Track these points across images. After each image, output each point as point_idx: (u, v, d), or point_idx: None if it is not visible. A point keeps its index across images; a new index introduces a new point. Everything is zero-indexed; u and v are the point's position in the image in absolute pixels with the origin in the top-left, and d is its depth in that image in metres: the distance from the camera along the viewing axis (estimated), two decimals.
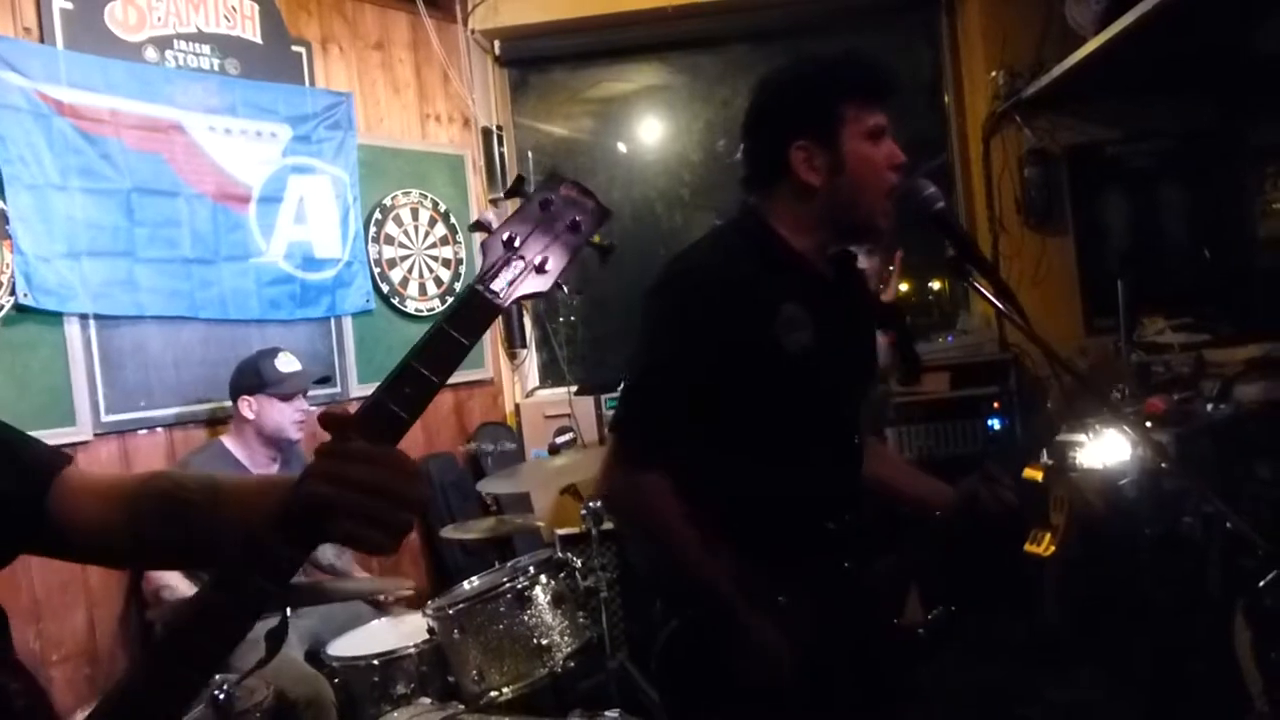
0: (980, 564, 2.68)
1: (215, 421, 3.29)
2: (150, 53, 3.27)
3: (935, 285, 4.92)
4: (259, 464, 3.12)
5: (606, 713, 2.71)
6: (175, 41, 3.34)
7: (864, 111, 1.68)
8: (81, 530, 1.06)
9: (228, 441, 3.12)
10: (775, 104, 1.74)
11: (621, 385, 1.77)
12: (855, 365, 1.84)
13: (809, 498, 1.72)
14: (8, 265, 2.86)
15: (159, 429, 3.22)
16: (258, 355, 3.14)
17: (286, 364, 3.10)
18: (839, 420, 1.80)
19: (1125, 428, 2.42)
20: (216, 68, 3.45)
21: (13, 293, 2.86)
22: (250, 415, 3.07)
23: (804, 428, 1.72)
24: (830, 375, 1.73)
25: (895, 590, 1.84)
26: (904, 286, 5.02)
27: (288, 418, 3.07)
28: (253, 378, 3.08)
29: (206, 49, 3.43)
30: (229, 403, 3.16)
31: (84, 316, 3.03)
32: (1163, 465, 2.78)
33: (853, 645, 1.69)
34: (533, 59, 4.71)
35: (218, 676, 2.43)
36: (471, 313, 1.00)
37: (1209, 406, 3.13)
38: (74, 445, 2.96)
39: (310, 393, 3.22)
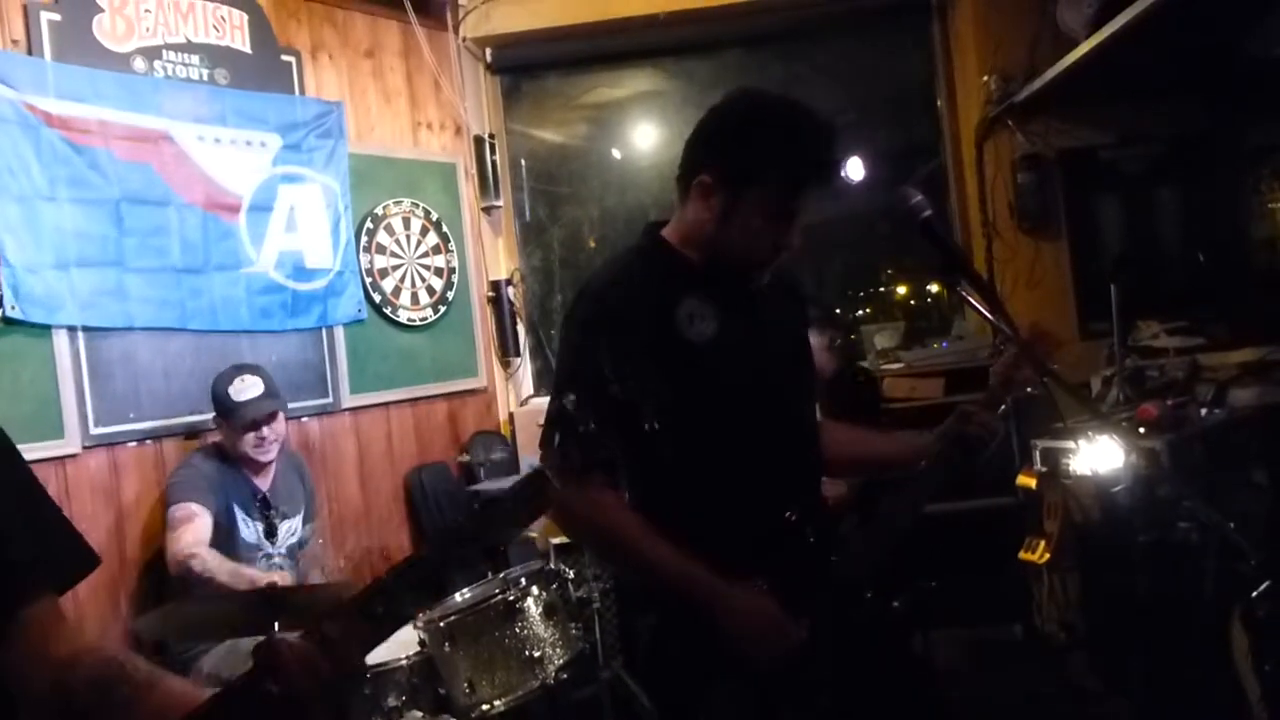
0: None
1: (205, 433, 3.28)
2: (139, 63, 3.26)
3: (933, 289, 4.91)
4: (255, 470, 3.13)
5: None
6: (164, 52, 3.33)
7: (784, 191, 1.68)
8: (32, 658, 1.04)
9: (223, 442, 3.14)
10: (711, 128, 1.75)
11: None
12: (777, 355, 1.83)
13: (760, 488, 1.72)
14: None
15: (148, 441, 3.20)
16: (219, 379, 3.08)
17: (239, 391, 3.02)
18: (775, 408, 1.79)
19: (1118, 434, 2.41)
20: (206, 77, 3.44)
21: (0, 305, 2.85)
22: (221, 436, 3.12)
23: (733, 418, 1.72)
24: (747, 364, 1.74)
25: (866, 566, 1.84)
26: (901, 290, 5.04)
27: (247, 445, 3.03)
28: (216, 404, 3.07)
29: (195, 59, 3.42)
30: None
31: (72, 328, 3.02)
32: (1156, 472, 2.77)
33: (828, 627, 1.68)
34: (525, 66, 4.70)
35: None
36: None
37: (1203, 411, 3.12)
38: (63, 458, 2.95)
39: (299, 403, 3.21)
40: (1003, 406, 1.98)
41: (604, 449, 1.68)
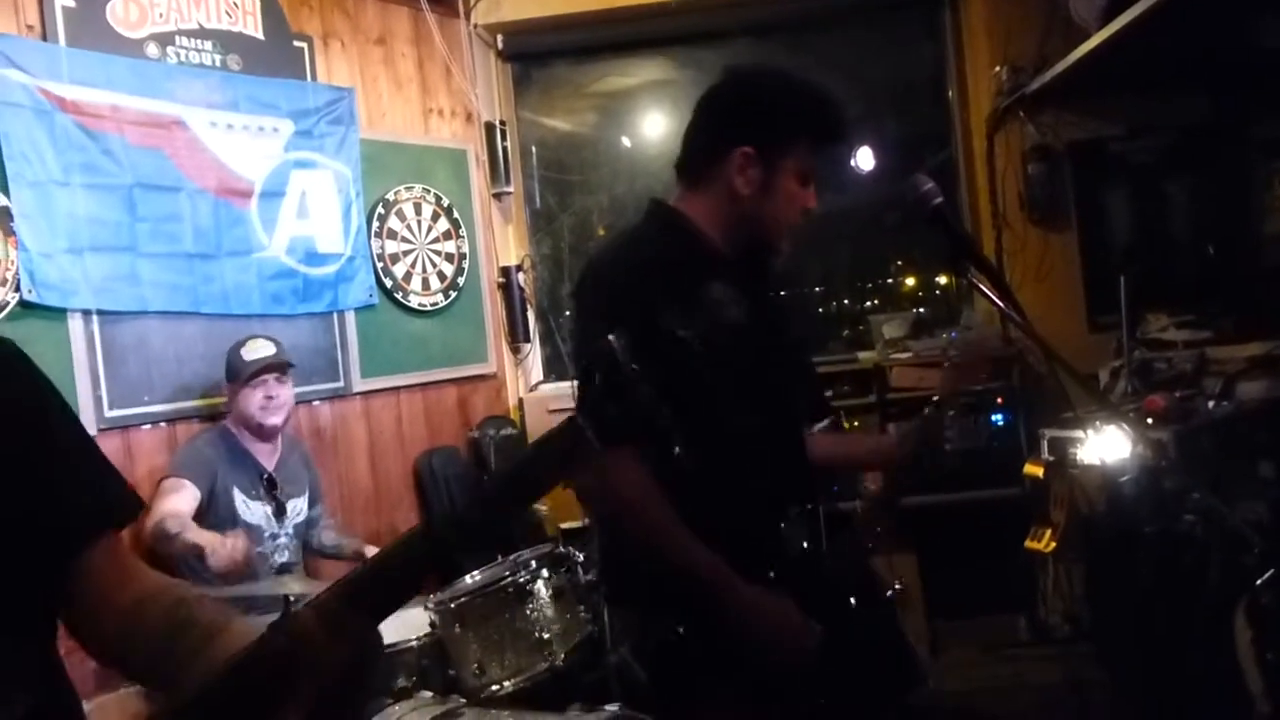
0: None
1: (217, 416, 3.31)
2: (152, 49, 3.28)
3: (942, 280, 4.91)
4: (260, 450, 3.19)
5: (606, 706, 2.70)
6: (177, 38, 3.35)
7: (810, 153, 1.75)
8: (99, 607, 1.02)
9: (230, 424, 3.20)
10: (741, 102, 1.77)
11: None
12: (781, 350, 1.85)
13: (770, 485, 1.72)
14: (12, 262, 2.87)
15: (161, 423, 3.23)
16: (233, 346, 3.18)
17: (250, 351, 3.14)
18: (784, 404, 1.81)
19: (1125, 425, 2.42)
20: (218, 63, 3.46)
21: (17, 289, 2.87)
22: (231, 403, 3.18)
23: (752, 411, 1.71)
24: (764, 356, 1.75)
25: (857, 562, 1.86)
26: (910, 281, 5.04)
27: (254, 403, 3.11)
28: (227, 368, 3.16)
29: (208, 45, 3.43)
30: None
31: (86, 312, 3.05)
32: (1162, 463, 2.78)
33: (828, 626, 1.69)
34: (535, 53, 4.71)
35: None
36: None
37: (1210, 404, 3.13)
38: None
39: (310, 387, 3.24)
40: (951, 412, 2.00)
41: (647, 401, 1.61)
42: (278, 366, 3.15)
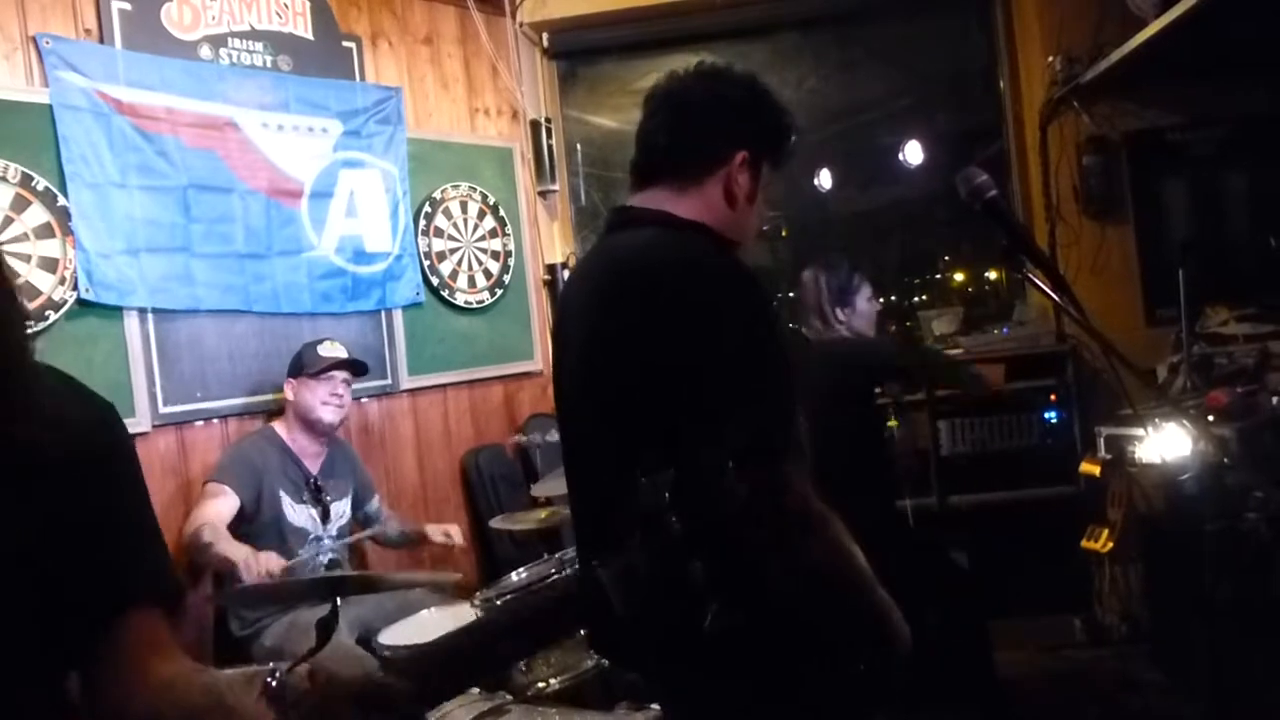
0: None
1: (269, 413, 3.36)
2: (205, 51, 3.33)
3: (991, 275, 4.84)
4: (306, 453, 3.23)
5: (652, 705, 2.70)
6: (229, 39, 3.40)
7: (772, 170, 1.68)
8: (126, 678, 1.00)
9: (278, 426, 3.25)
10: (743, 105, 1.64)
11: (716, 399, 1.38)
12: None
13: None
14: (70, 262, 2.93)
15: (214, 420, 3.29)
16: (307, 344, 3.27)
17: (326, 350, 3.22)
18: None
19: (1186, 421, 2.36)
20: (269, 65, 3.50)
21: (75, 288, 2.93)
22: (291, 397, 3.21)
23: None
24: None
25: None
26: (959, 276, 4.97)
27: (317, 397, 3.17)
28: (295, 362, 3.22)
29: (259, 46, 3.48)
30: (281, 394, 3.27)
31: (142, 311, 3.10)
32: (1225, 460, 2.70)
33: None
34: (581, 51, 4.70)
35: (270, 664, 2.48)
36: None
37: (1274, 400, 3.04)
38: (134, 436, 3.02)
39: (359, 384, 3.28)
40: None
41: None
42: (351, 365, 3.24)
